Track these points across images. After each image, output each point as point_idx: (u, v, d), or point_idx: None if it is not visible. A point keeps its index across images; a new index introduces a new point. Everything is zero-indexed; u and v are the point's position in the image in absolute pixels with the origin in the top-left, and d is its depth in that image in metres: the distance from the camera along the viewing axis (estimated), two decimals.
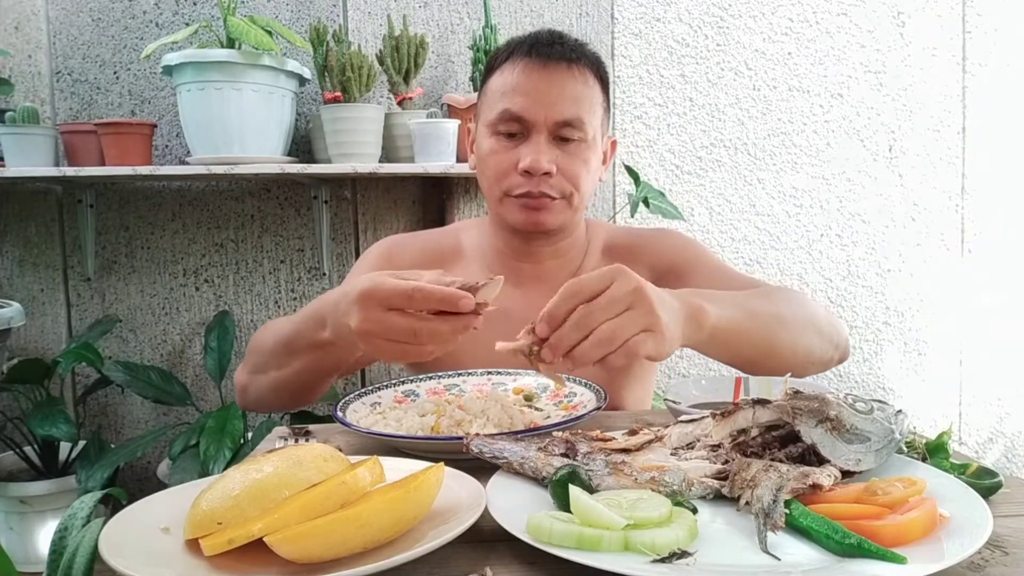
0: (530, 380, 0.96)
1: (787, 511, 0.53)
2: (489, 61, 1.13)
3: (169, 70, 1.83)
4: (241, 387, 1.05)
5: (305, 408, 1.99)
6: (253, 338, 1.05)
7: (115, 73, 2.10)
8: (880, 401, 0.65)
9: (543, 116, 1.03)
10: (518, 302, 1.11)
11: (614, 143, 1.19)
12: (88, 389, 2.05)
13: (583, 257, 1.17)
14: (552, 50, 1.05)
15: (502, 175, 1.06)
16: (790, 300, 0.98)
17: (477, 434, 0.69)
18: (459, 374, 0.99)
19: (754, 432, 0.64)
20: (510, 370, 0.99)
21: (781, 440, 0.63)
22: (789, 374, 0.76)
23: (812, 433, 0.61)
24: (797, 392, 0.64)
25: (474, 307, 0.70)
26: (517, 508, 0.56)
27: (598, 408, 0.82)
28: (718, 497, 0.59)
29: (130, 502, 0.58)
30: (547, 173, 1.04)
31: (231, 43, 1.80)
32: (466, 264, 1.17)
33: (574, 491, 0.54)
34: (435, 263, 1.15)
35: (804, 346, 0.95)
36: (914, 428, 0.70)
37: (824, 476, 0.57)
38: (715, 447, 0.64)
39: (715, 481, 0.59)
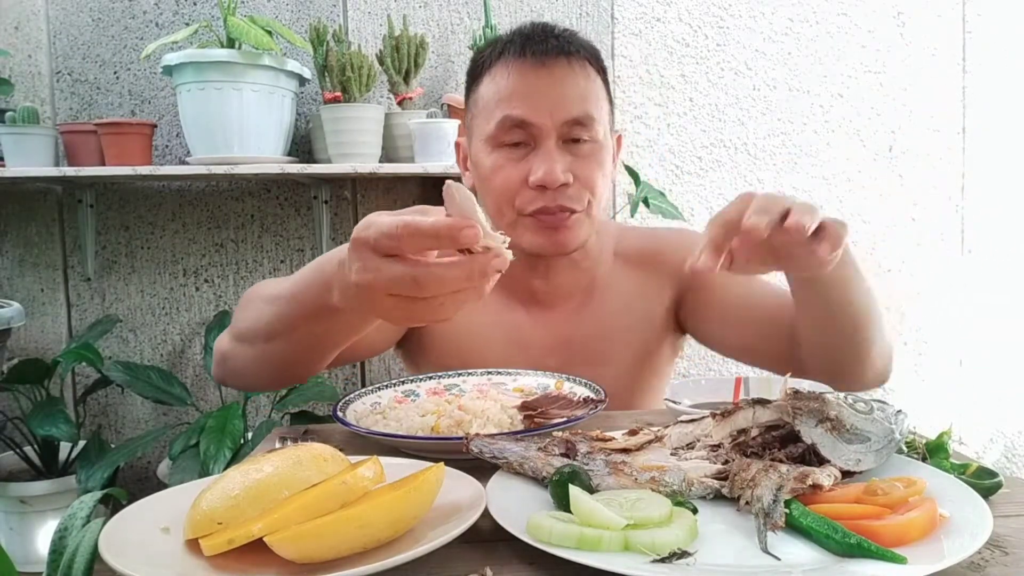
0: (530, 380, 0.96)
1: (787, 511, 0.53)
2: (473, 67, 1.01)
3: (169, 70, 1.83)
4: (221, 355, 0.90)
5: (305, 408, 1.99)
6: (242, 300, 0.89)
7: (115, 73, 2.10)
8: (880, 401, 0.65)
9: (550, 118, 0.93)
10: (529, 321, 1.07)
11: (619, 138, 1.08)
12: (88, 389, 2.05)
13: (596, 265, 1.09)
14: (547, 45, 0.95)
15: (511, 193, 0.95)
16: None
17: (477, 434, 0.69)
18: (459, 374, 0.99)
19: (754, 432, 0.64)
20: (510, 370, 0.99)
21: (781, 440, 0.63)
22: (789, 374, 0.76)
23: (812, 433, 0.61)
24: (797, 392, 0.64)
25: (481, 246, 0.54)
26: (517, 508, 0.56)
27: (598, 408, 0.82)
28: (718, 497, 0.59)
29: (130, 502, 0.58)
30: (564, 184, 0.93)
31: (231, 43, 1.80)
32: None
33: (574, 491, 0.54)
34: None
35: (878, 340, 0.91)
36: (914, 428, 0.70)
37: (824, 476, 0.57)
38: (715, 447, 0.64)
39: (715, 481, 0.59)
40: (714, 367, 2.21)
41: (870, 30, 2.26)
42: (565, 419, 0.78)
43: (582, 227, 0.97)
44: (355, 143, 1.88)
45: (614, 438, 0.69)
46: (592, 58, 0.99)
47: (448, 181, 0.56)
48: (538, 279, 1.05)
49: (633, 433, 0.70)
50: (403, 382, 0.96)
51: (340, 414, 0.82)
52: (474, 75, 1.01)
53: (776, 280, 0.94)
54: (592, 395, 0.88)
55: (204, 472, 1.64)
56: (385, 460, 0.59)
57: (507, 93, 0.94)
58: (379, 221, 0.57)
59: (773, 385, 0.84)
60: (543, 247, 0.97)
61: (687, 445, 0.66)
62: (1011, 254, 2.30)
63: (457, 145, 1.09)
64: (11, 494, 1.89)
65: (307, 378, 0.89)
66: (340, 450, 0.60)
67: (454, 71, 2.14)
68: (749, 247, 0.70)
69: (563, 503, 0.55)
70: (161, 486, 1.83)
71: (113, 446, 1.93)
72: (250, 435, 1.82)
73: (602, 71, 1.00)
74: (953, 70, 2.30)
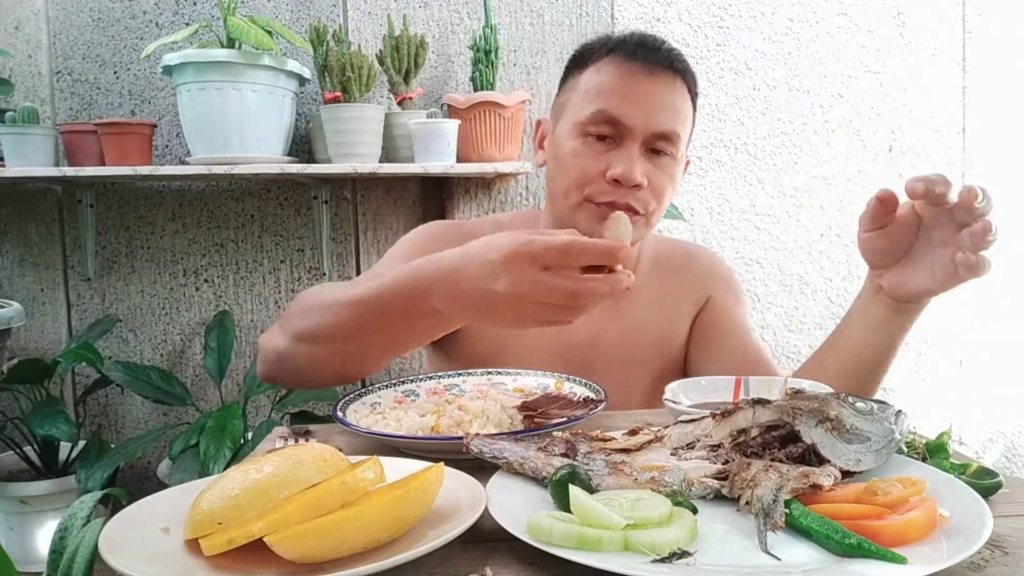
0: (530, 380, 0.96)
1: (787, 511, 0.53)
2: (579, 55, 1.05)
3: (169, 70, 1.83)
4: (276, 355, 0.92)
5: (305, 408, 1.99)
6: (299, 303, 0.92)
7: (115, 73, 2.10)
8: (880, 401, 0.65)
9: (642, 124, 0.96)
10: None
11: (688, 162, 1.12)
12: (88, 389, 2.05)
13: (634, 270, 1.10)
14: (659, 56, 0.98)
15: (585, 180, 0.98)
16: None
17: (477, 434, 0.69)
18: (459, 374, 0.99)
19: (754, 432, 0.64)
20: (510, 370, 0.99)
21: (781, 440, 0.63)
22: (789, 374, 0.76)
23: (812, 433, 0.61)
24: (797, 392, 0.64)
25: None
26: (517, 508, 0.56)
27: (598, 408, 0.82)
28: (718, 497, 0.59)
29: (130, 502, 0.58)
30: (638, 185, 0.96)
31: (231, 43, 1.80)
32: None
33: (574, 491, 0.54)
34: None
35: None
36: (914, 428, 0.70)
37: (824, 476, 0.57)
38: (715, 447, 0.64)
39: (715, 481, 0.59)
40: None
41: (870, 30, 2.26)
42: (565, 419, 0.78)
43: (640, 229, 1.01)
44: (355, 143, 1.88)
45: (614, 438, 0.69)
46: (692, 82, 1.02)
47: (617, 212, 0.72)
48: None
49: (633, 433, 0.70)
50: (403, 382, 0.96)
51: (340, 414, 0.82)
52: (579, 62, 1.04)
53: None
54: (592, 395, 0.88)
55: (204, 472, 1.64)
56: (385, 460, 0.59)
57: (608, 88, 0.98)
58: (540, 239, 0.67)
59: (773, 385, 0.84)
60: (600, 235, 1.00)
61: (687, 445, 0.66)
62: (1011, 254, 2.30)
63: (538, 123, 1.12)
64: (11, 494, 1.89)
65: (367, 375, 0.95)
66: (340, 450, 0.60)
67: (454, 71, 2.14)
68: (931, 214, 0.79)
69: (563, 503, 0.55)
70: (161, 486, 1.83)
71: (113, 446, 1.93)
72: (250, 435, 1.82)
73: (695, 96, 1.04)
74: (953, 70, 2.30)
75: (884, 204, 0.83)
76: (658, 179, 0.98)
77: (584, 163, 0.98)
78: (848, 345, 0.94)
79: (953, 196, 0.76)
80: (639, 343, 1.11)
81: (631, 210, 0.97)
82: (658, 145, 0.98)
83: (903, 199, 0.82)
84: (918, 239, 0.84)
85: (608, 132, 0.97)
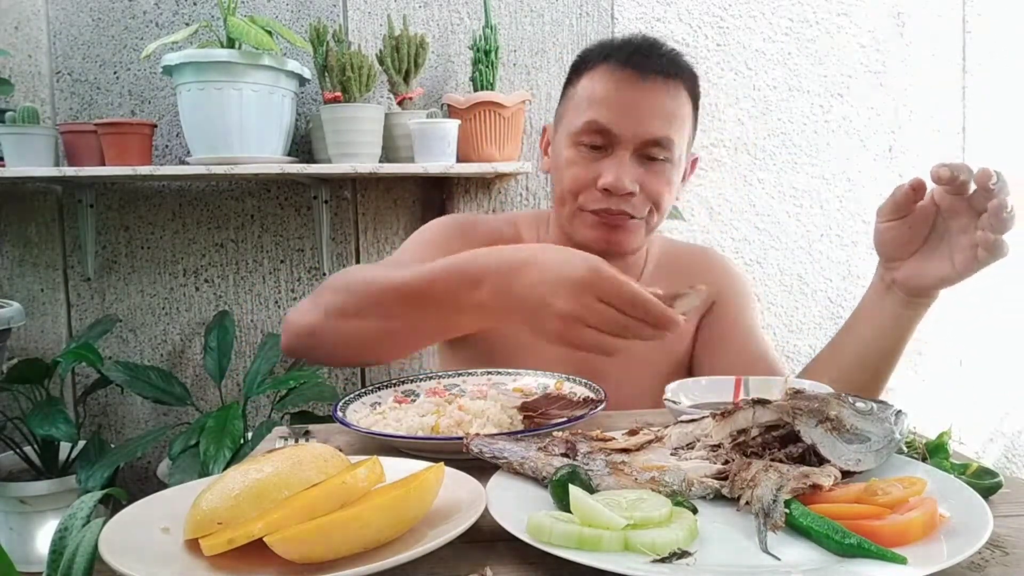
0: (530, 380, 0.96)
1: (787, 511, 0.53)
2: (578, 62, 1.06)
3: (169, 70, 1.83)
4: (308, 329, 0.91)
5: (305, 408, 1.99)
6: (336, 280, 0.93)
7: (115, 73, 2.10)
8: (880, 401, 0.65)
9: (631, 132, 0.97)
10: None
11: (695, 161, 1.13)
12: (88, 389, 2.05)
13: (640, 273, 1.13)
14: (651, 62, 0.99)
15: (579, 189, 1.00)
16: None
17: (477, 434, 0.69)
18: (459, 374, 0.99)
19: (754, 432, 0.64)
20: (510, 370, 0.99)
21: (781, 440, 0.63)
22: (789, 374, 0.76)
23: (812, 433, 0.61)
24: (797, 392, 0.64)
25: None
26: (517, 508, 0.56)
27: (598, 408, 0.82)
28: (718, 497, 0.59)
29: (130, 502, 0.58)
30: (629, 193, 0.98)
31: (231, 43, 1.80)
32: None
33: (574, 491, 0.54)
34: None
35: None
36: (914, 428, 0.70)
37: (824, 476, 0.57)
38: (715, 447, 0.64)
39: (715, 481, 0.59)
40: None
41: (870, 30, 2.26)
42: (565, 419, 0.78)
43: (639, 233, 1.02)
44: (355, 143, 1.88)
45: (614, 438, 0.69)
46: (689, 83, 1.02)
47: (700, 286, 0.74)
48: None
49: (633, 433, 0.70)
50: (403, 382, 0.96)
51: (340, 414, 0.82)
52: (577, 70, 1.04)
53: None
54: (592, 395, 0.88)
55: (204, 472, 1.64)
56: (385, 460, 0.59)
57: (600, 97, 0.99)
58: (615, 279, 0.70)
59: (773, 385, 0.84)
60: (597, 243, 1.00)
61: (687, 445, 0.66)
62: (1011, 254, 2.30)
63: (544, 130, 1.15)
64: (11, 494, 1.89)
65: (394, 360, 0.97)
66: (340, 450, 0.60)
67: (454, 71, 2.14)
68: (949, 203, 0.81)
69: (563, 503, 0.55)
70: (161, 486, 1.83)
71: (113, 446, 1.93)
72: (250, 435, 1.82)
73: (695, 97, 1.04)
74: (953, 70, 2.30)
75: (916, 191, 0.84)
76: (653, 184, 0.99)
77: (576, 172, 1.00)
78: (858, 343, 0.94)
79: (973, 185, 0.79)
80: (647, 344, 1.10)
81: (626, 215, 0.99)
82: (651, 151, 0.99)
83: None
84: (934, 229, 0.86)
85: (600, 142, 0.99)
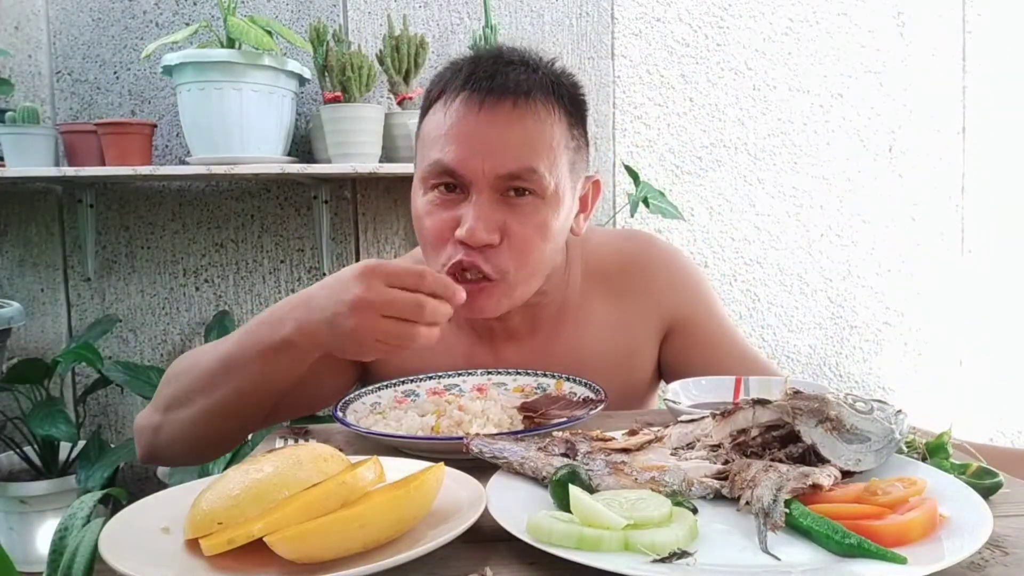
0: (530, 380, 0.96)
1: (787, 511, 0.53)
2: (427, 91, 0.92)
3: (169, 70, 1.83)
4: (151, 429, 0.87)
5: None
6: (168, 373, 0.88)
7: (115, 73, 2.10)
8: (880, 401, 0.65)
9: (482, 169, 0.82)
10: (493, 358, 0.99)
11: (596, 183, 0.97)
12: (88, 389, 2.05)
13: (565, 290, 1.00)
14: (493, 83, 0.84)
15: (439, 241, 0.85)
16: None
17: (477, 434, 0.69)
18: (459, 374, 0.98)
19: (754, 432, 0.64)
20: (510, 370, 0.98)
21: (781, 440, 0.63)
22: (789, 374, 0.76)
23: (812, 433, 0.61)
24: (797, 392, 0.64)
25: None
26: (517, 508, 0.56)
27: (598, 408, 0.82)
28: (718, 497, 0.59)
29: (130, 502, 0.58)
30: (489, 245, 0.83)
31: (231, 43, 1.80)
32: None
33: (574, 491, 0.54)
34: None
35: None
36: (914, 428, 0.70)
37: (824, 476, 0.57)
38: (715, 447, 0.64)
39: (715, 481, 0.59)
40: None
41: (870, 30, 2.26)
42: (565, 419, 0.78)
43: (502, 297, 0.87)
44: (355, 143, 1.88)
45: (614, 438, 0.69)
46: (555, 94, 0.86)
47: None
48: (495, 322, 0.96)
49: (633, 433, 0.70)
50: (403, 382, 0.96)
51: (340, 414, 0.82)
52: (427, 100, 0.91)
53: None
54: (592, 395, 0.88)
55: (204, 472, 1.64)
56: (385, 460, 0.59)
57: (443, 133, 0.85)
58: (394, 262, 0.72)
59: (773, 385, 0.84)
60: (464, 308, 0.79)
61: (687, 445, 0.66)
62: (1011, 254, 2.30)
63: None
64: (11, 494, 1.89)
65: (246, 436, 0.91)
66: (340, 450, 0.60)
67: None
68: None
69: (563, 503, 0.55)
70: (161, 486, 1.83)
71: (113, 446, 1.93)
72: (250, 435, 1.82)
73: (571, 110, 0.89)
74: (953, 70, 2.30)
75: None
76: (519, 228, 0.84)
77: (433, 221, 0.86)
78: None
79: None
80: (588, 373, 0.95)
81: (480, 277, 0.84)
82: (514, 186, 0.83)
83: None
84: None
85: (452, 182, 0.85)
